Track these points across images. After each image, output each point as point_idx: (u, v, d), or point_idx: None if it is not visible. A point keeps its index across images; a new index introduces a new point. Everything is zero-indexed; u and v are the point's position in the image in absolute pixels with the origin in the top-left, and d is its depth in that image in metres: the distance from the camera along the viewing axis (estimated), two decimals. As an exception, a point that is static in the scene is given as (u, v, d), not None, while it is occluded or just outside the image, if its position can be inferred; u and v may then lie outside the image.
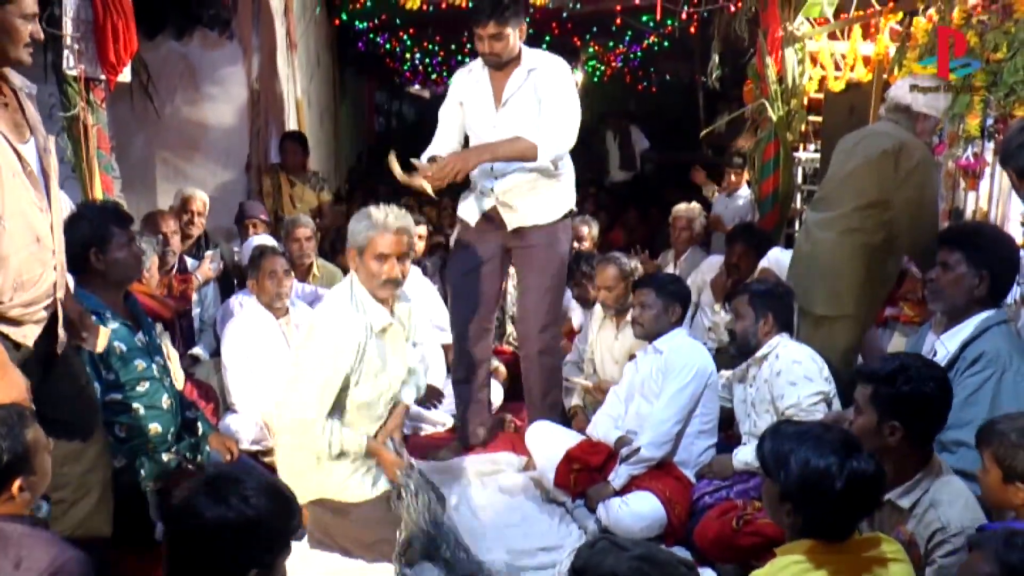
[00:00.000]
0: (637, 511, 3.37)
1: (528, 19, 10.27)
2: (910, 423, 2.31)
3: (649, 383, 3.65)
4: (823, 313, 3.63)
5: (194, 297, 4.81)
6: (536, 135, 3.71)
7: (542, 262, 4.01)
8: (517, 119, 3.79)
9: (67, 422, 2.56)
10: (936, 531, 2.24)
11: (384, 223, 2.95)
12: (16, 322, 2.35)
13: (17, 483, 2.12)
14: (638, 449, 3.47)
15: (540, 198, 3.94)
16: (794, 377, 3.24)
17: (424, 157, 3.83)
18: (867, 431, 2.33)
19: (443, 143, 3.97)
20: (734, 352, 3.69)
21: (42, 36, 2.39)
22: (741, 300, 3.47)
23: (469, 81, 3.97)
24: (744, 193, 6.53)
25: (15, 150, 2.32)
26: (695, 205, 6.22)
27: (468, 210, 4.10)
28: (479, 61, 3.93)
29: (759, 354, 3.37)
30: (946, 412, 2.39)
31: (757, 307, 3.39)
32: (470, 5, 6.05)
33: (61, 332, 2.53)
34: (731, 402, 3.66)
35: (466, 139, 4.05)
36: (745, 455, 3.31)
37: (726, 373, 3.71)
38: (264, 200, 6.39)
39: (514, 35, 3.76)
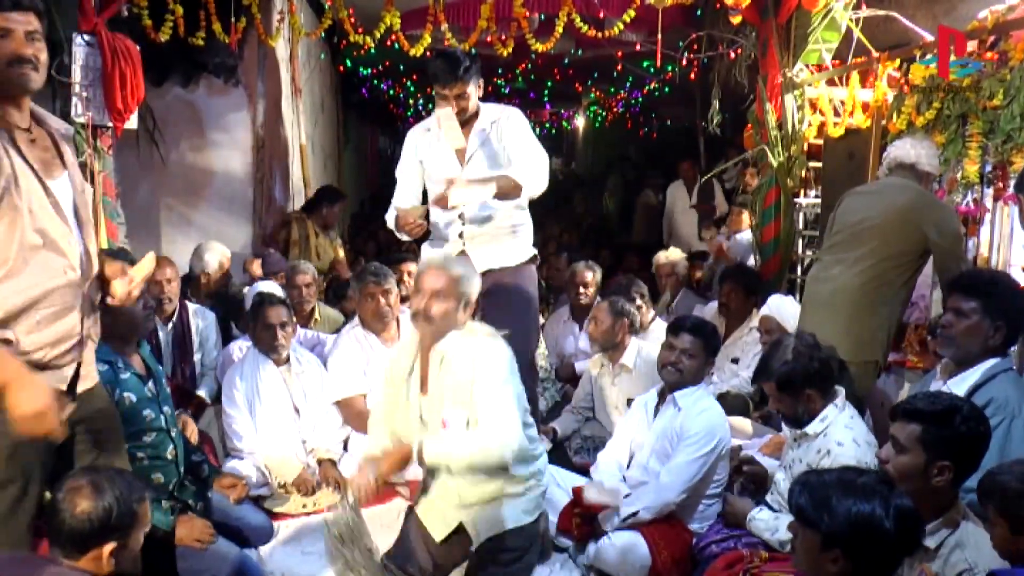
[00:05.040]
0: (619, 545, 3.36)
1: (531, 66, 10.36)
2: (961, 464, 2.30)
3: (663, 440, 3.56)
4: (847, 359, 3.56)
5: (195, 341, 4.81)
6: (516, 174, 3.75)
7: (510, 299, 3.98)
8: (483, 172, 3.82)
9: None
10: (963, 572, 2.23)
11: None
12: (48, 364, 2.35)
13: (110, 547, 2.15)
14: (636, 512, 3.42)
15: (502, 246, 3.98)
16: None
17: (391, 215, 3.87)
18: (913, 471, 2.30)
19: (406, 201, 3.99)
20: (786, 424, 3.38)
21: (27, 53, 2.31)
22: (769, 387, 3.15)
23: (429, 140, 3.99)
24: (747, 234, 6.56)
25: (43, 184, 2.35)
26: (673, 251, 6.33)
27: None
28: (435, 119, 3.95)
29: (811, 429, 3.09)
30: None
31: (790, 391, 3.09)
32: (472, 52, 6.12)
33: (85, 371, 2.53)
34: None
35: (424, 196, 4.04)
36: (760, 524, 3.16)
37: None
38: (291, 248, 6.40)
39: (475, 92, 3.83)
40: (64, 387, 2.39)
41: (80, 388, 2.51)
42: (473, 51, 5.99)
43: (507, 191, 3.75)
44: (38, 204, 2.32)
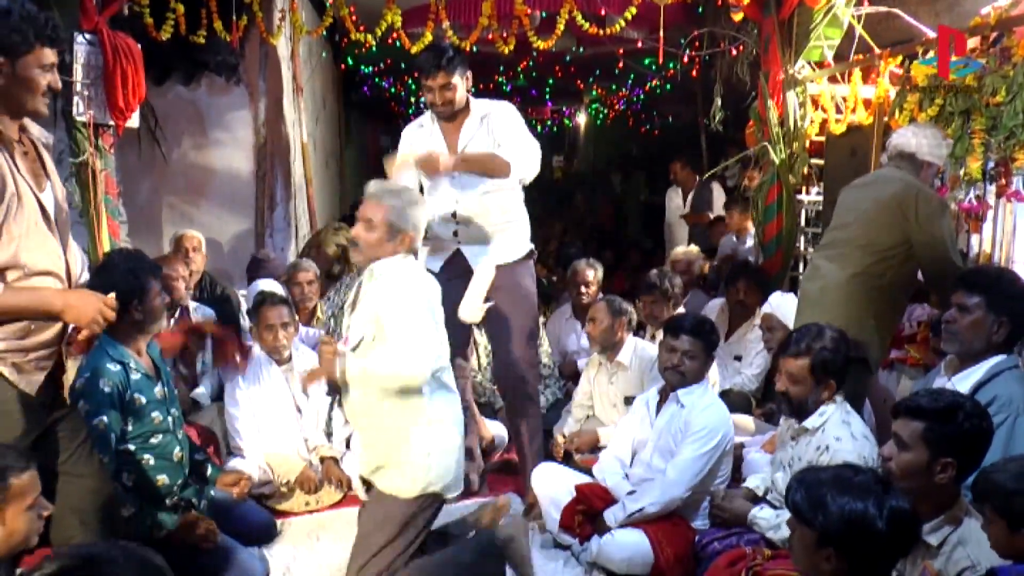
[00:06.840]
0: (622, 543, 3.38)
1: (532, 63, 10.36)
2: (964, 461, 2.29)
3: (666, 437, 3.57)
4: None
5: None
6: (506, 155, 3.79)
7: (508, 296, 3.98)
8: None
9: (70, 474, 2.54)
10: (965, 569, 2.22)
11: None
12: (21, 368, 2.36)
13: None
14: (642, 508, 3.43)
15: (498, 241, 3.98)
16: None
17: None
18: (916, 468, 2.29)
19: None
20: (786, 415, 3.32)
21: (59, 86, 2.42)
22: (799, 365, 3.10)
23: (422, 136, 3.99)
24: (752, 237, 6.53)
25: (37, 198, 2.36)
26: (693, 247, 6.26)
27: (430, 260, 4.06)
28: (428, 115, 3.99)
29: (809, 424, 3.09)
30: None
31: (819, 377, 3.07)
32: (474, 50, 6.12)
33: (67, 378, 2.55)
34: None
35: (420, 190, 4.02)
36: (762, 523, 3.15)
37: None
38: (327, 254, 6.36)
39: (461, 84, 3.83)
40: (33, 392, 2.39)
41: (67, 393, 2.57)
42: (475, 48, 6.02)
43: (493, 168, 3.79)
44: (34, 220, 2.34)
